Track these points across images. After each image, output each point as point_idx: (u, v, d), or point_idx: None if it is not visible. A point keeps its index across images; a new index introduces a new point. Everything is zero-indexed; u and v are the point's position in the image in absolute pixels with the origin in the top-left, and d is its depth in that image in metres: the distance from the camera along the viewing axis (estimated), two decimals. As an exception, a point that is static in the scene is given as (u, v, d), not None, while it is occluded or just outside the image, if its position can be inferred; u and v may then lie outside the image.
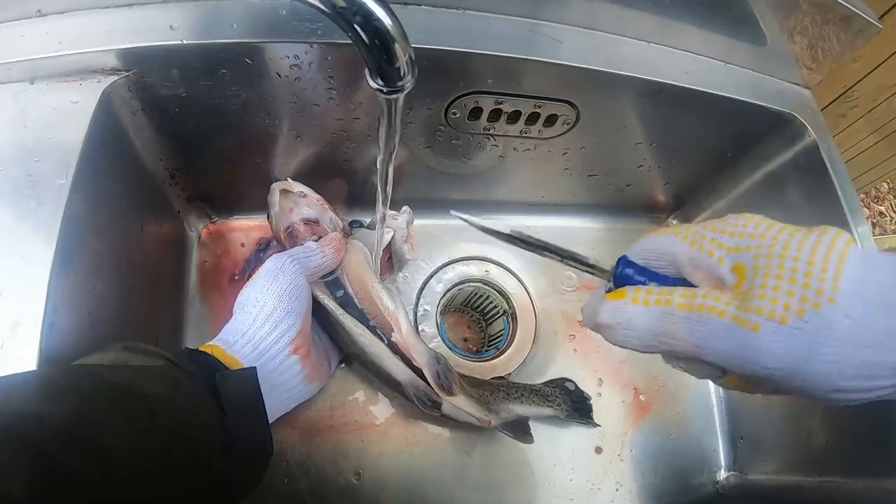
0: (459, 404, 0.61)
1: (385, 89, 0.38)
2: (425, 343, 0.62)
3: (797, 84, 0.71)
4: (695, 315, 0.33)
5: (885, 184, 2.19)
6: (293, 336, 0.53)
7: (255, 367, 0.48)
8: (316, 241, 0.61)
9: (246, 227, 0.75)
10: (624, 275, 0.39)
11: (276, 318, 0.52)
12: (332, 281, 0.63)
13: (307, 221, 0.65)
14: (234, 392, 0.45)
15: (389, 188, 0.51)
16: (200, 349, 0.49)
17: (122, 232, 0.56)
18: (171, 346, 0.67)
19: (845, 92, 1.16)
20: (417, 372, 0.60)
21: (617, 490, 0.75)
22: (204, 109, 0.58)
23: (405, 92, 0.39)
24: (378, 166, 0.48)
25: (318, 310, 0.61)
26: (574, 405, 0.74)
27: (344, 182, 0.73)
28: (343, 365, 0.70)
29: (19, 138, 0.47)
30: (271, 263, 0.55)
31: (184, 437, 0.38)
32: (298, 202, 0.65)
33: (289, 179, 0.65)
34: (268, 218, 0.67)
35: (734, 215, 0.37)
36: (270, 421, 0.51)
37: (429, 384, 0.60)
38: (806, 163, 0.69)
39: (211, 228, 0.74)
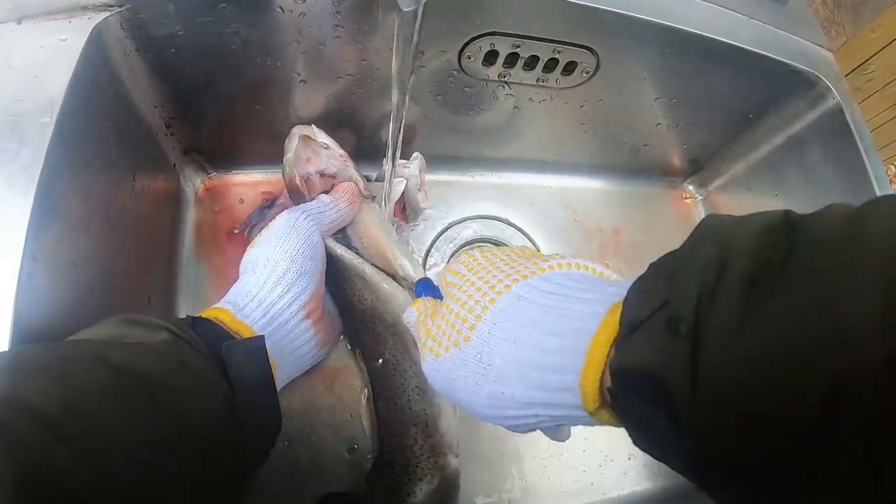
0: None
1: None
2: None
3: (820, 46, 0.69)
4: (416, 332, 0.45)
5: (892, 166, 2.17)
6: (306, 299, 0.51)
7: (262, 336, 0.45)
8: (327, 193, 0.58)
9: (246, 183, 0.72)
10: (416, 291, 0.51)
11: (288, 279, 0.50)
12: (342, 238, 0.60)
13: (324, 175, 0.61)
14: (242, 365, 0.42)
15: (402, 129, 0.48)
16: (205, 315, 0.46)
17: (113, 182, 0.53)
18: (164, 306, 0.63)
19: (862, 64, 1.14)
20: None
21: (629, 460, 0.73)
22: (202, 50, 0.55)
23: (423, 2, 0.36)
24: (392, 103, 0.44)
25: (329, 264, 0.57)
26: None
27: (351, 133, 0.69)
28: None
29: (4, 80, 0.44)
30: (283, 219, 0.53)
31: (189, 422, 0.35)
32: (319, 152, 0.60)
33: (313, 126, 0.60)
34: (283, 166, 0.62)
35: (470, 251, 0.45)
36: (279, 386, 0.49)
37: None
38: (830, 127, 0.67)
39: (208, 184, 0.70)
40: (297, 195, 0.57)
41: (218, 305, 0.48)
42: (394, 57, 0.41)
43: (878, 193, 0.62)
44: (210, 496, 0.36)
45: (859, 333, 0.20)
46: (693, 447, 0.25)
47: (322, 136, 0.59)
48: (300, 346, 0.51)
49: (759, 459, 0.22)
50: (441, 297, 0.47)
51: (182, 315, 0.62)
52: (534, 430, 0.37)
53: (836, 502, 0.21)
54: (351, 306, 0.59)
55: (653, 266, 0.30)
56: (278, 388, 0.48)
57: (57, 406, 0.28)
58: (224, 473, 0.38)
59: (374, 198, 0.62)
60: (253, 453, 0.43)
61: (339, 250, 0.57)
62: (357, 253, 0.59)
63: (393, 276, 0.58)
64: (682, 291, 0.26)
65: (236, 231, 0.68)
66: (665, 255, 0.30)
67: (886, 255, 0.20)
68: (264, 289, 0.49)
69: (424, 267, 0.74)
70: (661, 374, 0.25)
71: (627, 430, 0.30)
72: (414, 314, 0.46)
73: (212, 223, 0.69)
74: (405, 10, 0.36)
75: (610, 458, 0.72)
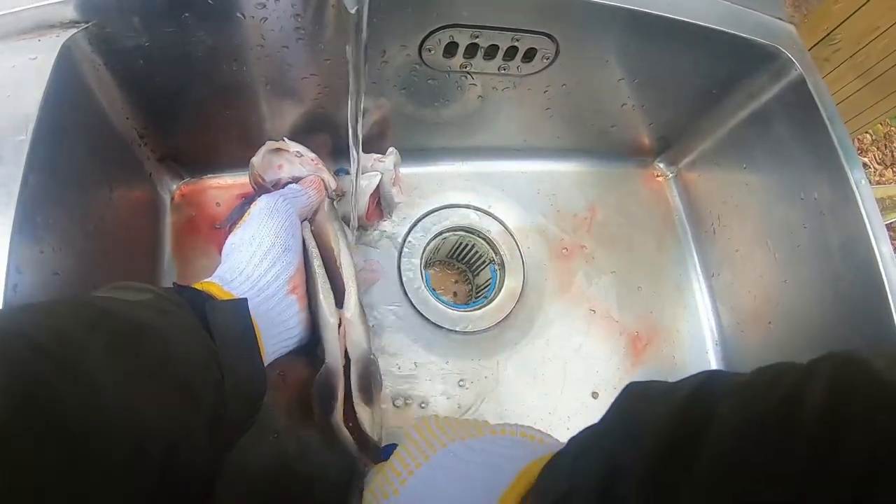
0: (365, 422, 0.58)
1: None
2: (367, 336, 0.59)
3: (781, 19, 0.70)
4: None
5: (868, 135, 2.18)
6: (291, 274, 0.53)
7: (245, 299, 0.46)
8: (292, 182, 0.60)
9: (221, 186, 0.73)
10: (384, 455, 0.51)
11: (273, 254, 0.51)
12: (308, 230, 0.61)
13: (293, 179, 0.63)
14: (225, 323, 0.43)
15: (361, 124, 0.49)
16: (195, 286, 0.47)
17: (90, 194, 0.54)
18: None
19: (827, 35, 1.15)
20: (345, 369, 0.58)
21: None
22: (169, 60, 0.56)
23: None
24: (350, 95, 0.46)
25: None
26: None
27: (322, 129, 0.70)
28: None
29: None
30: (264, 202, 0.54)
31: (172, 365, 0.36)
32: (291, 160, 0.63)
33: (284, 139, 0.62)
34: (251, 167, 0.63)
35: (437, 417, 0.46)
36: (269, 360, 0.50)
37: (348, 384, 0.57)
38: (793, 99, 0.68)
39: (184, 189, 0.71)
40: (263, 190, 0.60)
41: (207, 280, 0.49)
42: (348, 54, 0.42)
43: (844, 162, 0.63)
44: (189, 434, 0.36)
45: None
46: None
47: (294, 146, 0.62)
48: (287, 318, 0.52)
49: None
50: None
51: None
52: None
53: None
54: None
55: (570, 441, 0.33)
56: (268, 360, 0.49)
57: (45, 333, 0.30)
58: (204, 416, 0.38)
59: (339, 197, 0.63)
60: (236, 408, 0.43)
61: (308, 242, 0.58)
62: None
63: (333, 273, 0.59)
64: (584, 481, 0.27)
65: (217, 227, 0.69)
66: (584, 430, 0.32)
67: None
68: (251, 264, 0.50)
69: (399, 255, 0.75)
70: None
71: None
72: (370, 473, 0.48)
73: (190, 227, 0.70)
74: (350, 11, 0.37)
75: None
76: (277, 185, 0.62)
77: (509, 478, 0.34)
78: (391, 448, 0.51)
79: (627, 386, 0.31)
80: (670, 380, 0.31)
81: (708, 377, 0.27)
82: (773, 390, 0.23)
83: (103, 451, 0.28)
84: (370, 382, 0.57)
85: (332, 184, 0.62)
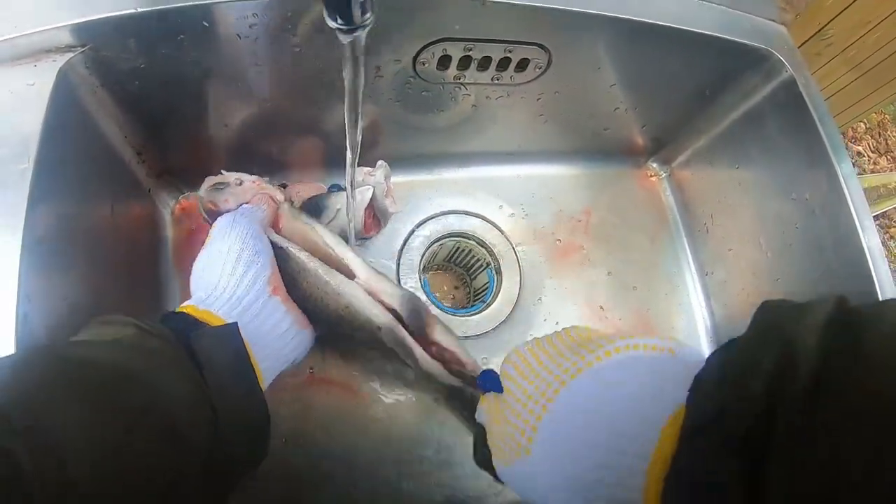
0: (444, 341, 0.56)
1: (345, 28, 0.37)
2: (390, 280, 0.57)
3: (772, 20, 0.71)
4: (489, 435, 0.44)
5: (861, 124, 2.19)
6: (269, 275, 0.50)
7: (235, 323, 0.43)
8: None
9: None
10: (480, 385, 0.51)
11: (245, 259, 0.49)
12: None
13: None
14: (213, 353, 0.40)
15: (359, 138, 0.49)
16: (175, 311, 0.45)
17: (92, 214, 0.54)
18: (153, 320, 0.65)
19: (820, 30, 1.15)
20: (394, 315, 0.56)
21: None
22: (165, 80, 0.56)
23: (366, 30, 0.37)
24: (346, 118, 0.46)
25: (279, 259, 0.56)
26: None
27: (317, 143, 0.71)
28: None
29: None
30: (222, 221, 0.53)
31: (156, 411, 0.34)
32: (234, 190, 0.62)
33: (223, 171, 0.62)
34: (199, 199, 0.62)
35: (526, 344, 0.45)
36: (272, 377, 0.48)
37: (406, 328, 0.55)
38: (784, 99, 0.68)
39: (183, 203, 0.72)
40: (215, 216, 0.59)
41: (183, 305, 0.47)
42: (345, 77, 0.42)
43: (835, 161, 0.63)
44: (183, 486, 0.35)
45: None
46: None
47: (232, 176, 0.61)
48: (278, 322, 0.50)
49: None
50: (502, 390, 0.46)
51: None
52: None
53: None
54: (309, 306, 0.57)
55: (710, 364, 0.30)
56: (269, 378, 0.47)
57: (11, 399, 0.29)
58: (202, 462, 0.36)
59: (290, 202, 0.62)
60: (236, 445, 0.40)
61: (281, 242, 0.56)
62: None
63: (326, 261, 0.57)
64: (739, 404, 0.25)
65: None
66: (725, 346, 0.30)
67: None
68: (224, 275, 0.48)
69: (398, 262, 0.75)
70: (715, 486, 0.25)
71: None
72: (484, 416, 0.46)
73: (190, 240, 0.71)
74: (343, 42, 0.38)
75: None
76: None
77: (655, 429, 0.30)
78: (489, 374, 0.50)
79: (764, 303, 0.30)
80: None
81: (842, 300, 0.26)
82: None
83: None
84: (422, 316, 0.56)
85: (279, 195, 0.62)
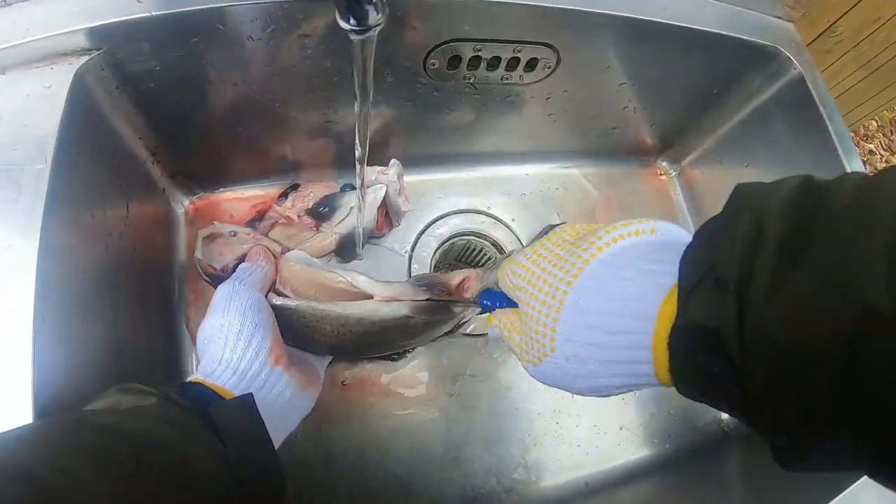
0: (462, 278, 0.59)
1: (357, 28, 0.37)
2: (398, 283, 0.59)
3: (779, 18, 0.71)
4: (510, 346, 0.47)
5: (873, 122, 2.18)
6: (269, 346, 0.51)
7: (251, 394, 0.45)
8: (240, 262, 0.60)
9: (232, 199, 0.74)
10: (483, 305, 0.52)
11: (246, 334, 0.50)
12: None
13: (240, 258, 0.63)
14: (232, 421, 0.42)
15: (367, 138, 0.50)
16: (190, 381, 0.47)
17: (108, 214, 0.55)
18: (167, 321, 0.67)
19: (829, 27, 1.15)
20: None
21: (621, 430, 0.76)
22: (179, 82, 0.57)
23: (377, 30, 0.38)
24: (356, 116, 0.47)
25: (285, 321, 0.57)
26: None
27: (329, 143, 0.72)
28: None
29: None
30: (221, 291, 0.54)
31: (179, 481, 0.35)
32: (229, 241, 0.63)
33: (214, 223, 0.63)
34: (197, 262, 0.64)
35: (524, 251, 0.47)
36: (278, 443, 0.49)
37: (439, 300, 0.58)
38: (792, 97, 0.69)
39: (197, 203, 0.73)
40: (216, 279, 0.60)
41: (193, 377, 0.48)
42: (354, 76, 0.43)
43: (843, 158, 0.64)
44: None
45: (871, 291, 0.24)
46: (741, 382, 0.29)
47: (226, 228, 0.63)
48: (280, 393, 0.51)
49: (792, 387, 0.27)
50: (508, 304, 0.49)
51: (183, 325, 0.67)
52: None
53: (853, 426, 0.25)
54: (332, 345, 0.60)
55: (697, 233, 0.34)
56: (277, 443, 0.48)
57: (45, 467, 0.30)
58: None
59: (287, 249, 0.63)
60: None
61: (286, 302, 0.57)
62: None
63: (341, 294, 0.59)
64: (725, 257, 0.29)
65: (230, 234, 0.68)
66: (706, 223, 0.34)
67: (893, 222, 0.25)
68: (226, 350, 0.49)
69: (410, 262, 0.76)
70: (714, 326, 0.29)
71: (680, 383, 0.34)
72: (496, 331, 0.48)
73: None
74: (353, 40, 0.38)
75: (603, 431, 0.75)
76: (227, 269, 0.63)
77: (654, 305, 0.35)
78: (490, 294, 0.52)
79: (737, 186, 0.34)
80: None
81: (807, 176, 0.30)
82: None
83: None
84: (434, 281, 0.59)
85: (276, 247, 0.63)
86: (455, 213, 0.80)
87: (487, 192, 0.82)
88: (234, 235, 0.63)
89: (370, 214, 0.65)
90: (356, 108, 0.46)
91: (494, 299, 0.51)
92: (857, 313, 0.24)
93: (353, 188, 0.70)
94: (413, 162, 0.74)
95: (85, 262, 0.49)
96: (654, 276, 0.36)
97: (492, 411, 0.72)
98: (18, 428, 0.34)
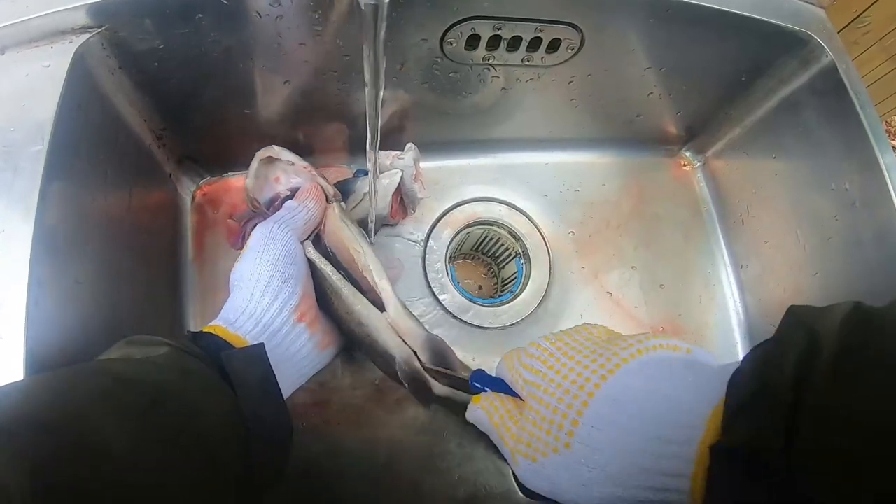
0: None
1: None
2: (419, 322, 0.57)
3: (811, 3, 0.68)
4: (496, 434, 0.45)
5: (895, 118, 2.14)
6: (296, 303, 0.51)
7: (262, 344, 0.45)
8: (289, 197, 0.59)
9: (240, 185, 0.72)
10: (473, 385, 0.50)
11: (274, 288, 0.50)
12: (319, 245, 0.59)
13: (293, 191, 0.61)
14: (243, 371, 0.42)
15: (379, 118, 0.48)
16: (203, 330, 0.47)
17: (109, 199, 0.53)
18: (171, 312, 0.65)
19: (857, 17, 1.12)
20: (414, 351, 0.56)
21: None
22: (184, 61, 0.55)
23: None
24: (366, 95, 0.45)
25: (314, 275, 0.57)
26: None
27: (342, 127, 0.70)
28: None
29: None
30: (258, 233, 0.53)
31: (192, 428, 0.36)
32: (286, 170, 0.61)
33: (274, 146, 0.61)
34: (246, 190, 0.62)
35: (538, 342, 0.44)
36: (286, 396, 0.49)
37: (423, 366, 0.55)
38: (824, 85, 0.66)
39: (204, 189, 0.71)
40: (259, 213, 0.60)
41: (212, 323, 0.48)
42: (365, 52, 0.41)
43: (877, 151, 0.61)
44: (222, 498, 0.36)
45: None
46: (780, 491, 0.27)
47: (286, 154, 0.60)
48: (298, 349, 0.51)
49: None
50: (501, 390, 0.47)
51: (189, 317, 0.66)
52: None
53: None
54: (338, 319, 0.58)
55: (746, 359, 0.33)
56: (285, 395, 0.48)
57: (60, 414, 0.30)
58: (234, 477, 0.38)
59: (341, 201, 0.61)
60: (264, 460, 0.42)
61: (320, 263, 0.57)
62: (331, 257, 0.58)
63: (361, 281, 0.57)
64: (779, 375, 0.29)
65: (232, 219, 0.68)
66: (756, 347, 0.33)
67: None
68: (252, 301, 0.49)
69: (424, 250, 0.74)
70: (759, 446, 0.28)
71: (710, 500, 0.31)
72: (481, 414, 0.46)
73: (211, 227, 0.70)
74: (364, 4, 0.36)
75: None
76: (275, 202, 0.61)
77: (699, 419, 0.33)
78: (481, 376, 0.50)
79: (791, 307, 0.34)
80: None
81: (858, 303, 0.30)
82: None
83: None
84: (447, 357, 0.55)
85: (330, 189, 0.61)
86: (472, 201, 0.78)
87: (505, 180, 0.80)
88: (292, 165, 0.61)
89: (384, 201, 0.63)
90: (366, 85, 0.44)
91: (485, 382, 0.49)
92: None
93: (366, 173, 0.68)
94: (428, 148, 0.72)
95: (83, 248, 0.47)
96: (701, 390, 0.34)
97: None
98: (31, 377, 0.36)
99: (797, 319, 0.31)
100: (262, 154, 0.60)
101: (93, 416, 0.31)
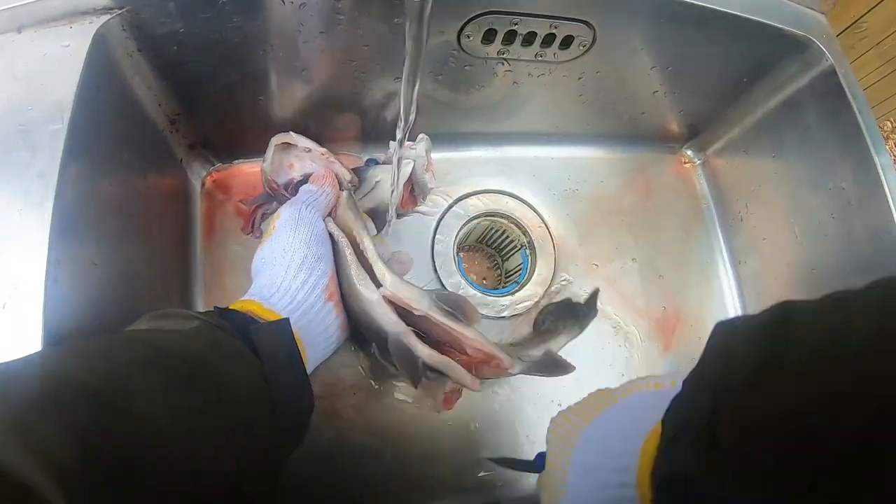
0: (480, 343, 0.56)
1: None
2: (417, 287, 0.56)
3: (812, 9, 0.69)
4: None
5: (888, 122, 2.16)
6: (326, 283, 0.52)
7: (287, 319, 0.46)
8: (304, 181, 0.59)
9: (250, 172, 0.72)
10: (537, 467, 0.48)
11: (308, 266, 0.51)
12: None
13: (306, 176, 0.61)
14: (271, 346, 0.43)
15: (413, 112, 0.48)
16: (232, 307, 0.47)
17: (125, 181, 0.54)
18: (182, 296, 0.65)
19: (855, 22, 1.13)
20: (411, 325, 0.55)
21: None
22: (204, 46, 0.55)
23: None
24: (402, 85, 0.45)
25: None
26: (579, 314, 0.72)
27: (355, 117, 0.70)
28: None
29: (9, 90, 0.45)
30: (287, 213, 0.53)
31: (227, 399, 0.37)
32: (301, 156, 0.62)
33: (291, 133, 0.61)
34: (263, 172, 0.62)
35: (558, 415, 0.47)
36: (311, 369, 0.50)
37: (423, 340, 0.55)
38: (823, 88, 0.67)
39: (214, 175, 0.71)
40: (280, 197, 0.60)
41: (246, 298, 0.49)
42: (406, 42, 0.41)
43: (874, 152, 0.62)
44: (248, 467, 0.37)
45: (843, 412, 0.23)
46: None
47: (302, 141, 0.61)
48: (327, 327, 0.52)
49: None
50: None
51: (198, 302, 0.66)
52: None
53: None
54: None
55: (684, 383, 0.34)
56: (310, 370, 0.49)
57: (103, 379, 0.31)
58: (261, 447, 0.39)
59: (355, 188, 0.62)
60: (287, 430, 0.43)
61: (341, 240, 0.56)
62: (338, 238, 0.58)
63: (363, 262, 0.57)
64: (697, 406, 0.30)
65: (242, 203, 0.69)
66: (693, 369, 0.34)
67: (864, 367, 0.24)
68: (287, 277, 0.50)
69: (433, 241, 0.75)
70: (689, 477, 0.30)
71: None
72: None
73: (221, 213, 0.70)
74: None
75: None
76: (290, 186, 0.61)
77: (640, 441, 0.36)
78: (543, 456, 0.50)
79: (716, 325, 0.34)
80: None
81: (783, 305, 0.30)
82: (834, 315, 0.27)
83: (169, 492, 0.30)
84: (463, 306, 0.56)
85: (346, 175, 0.61)
86: (479, 192, 0.79)
87: (513, 173, 0.81)
88: (308, 152, 0.61)
89: (396, 191, 0.63)
90: (404, 73, 0.44)
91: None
92: (829, 442, 0.24)
93: (378, 163, 0.68)
94: (438, 140, 0.72)
95: (99, 229, 0.48)
96: (645, 420, 0.36)
97: (512, 397, 0.71)
98: (63, 346, 0.36)
99: (716, 341, 0.33)
100: (277, 140, 0.60)
101: (135, 385, 0.32)
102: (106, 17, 0.49)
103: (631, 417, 0.40)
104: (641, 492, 0.34)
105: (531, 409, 0.71)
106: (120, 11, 0.49)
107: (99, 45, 0.48)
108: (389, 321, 0.55)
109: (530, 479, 0.68)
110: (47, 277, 0.39)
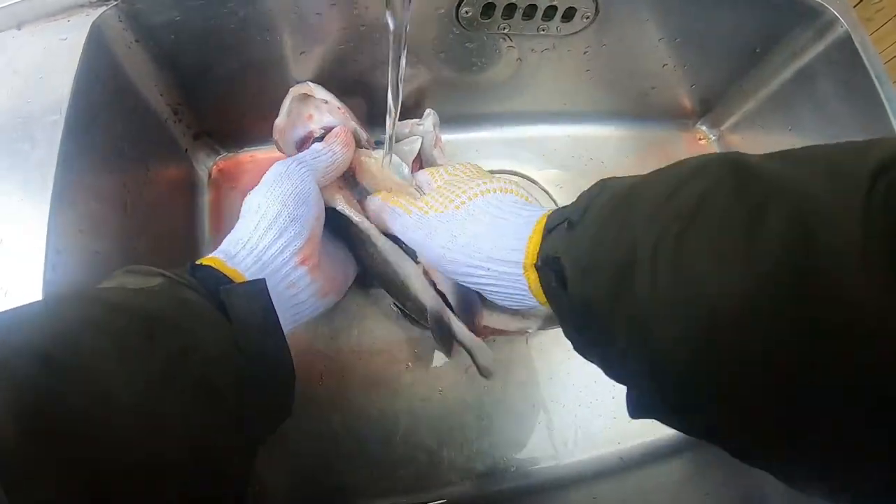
0: (494, 323, 0.57)
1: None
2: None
3: (825, -25, 0.67)
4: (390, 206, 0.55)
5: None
6: (300, 245, 0.48)
7: (263, 279, 0.43)
8: (319, 139, 0.57)
9: (258, 160, 0.72)
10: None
11: (279, 225, 0.47)
12: (355, 188, 0.60)
13: (326, 130, 0.59)
14: (244, 307, 0.40)
15: (401, 87, 0.47)
16: (201, 262, 0.44)
17: (126, 172, 0.54)
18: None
19: (871, -7, 1.11)
20: (445, 300, 0.56)
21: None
22: (201, 34, 0.55)
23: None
24: (389, 71, 0.45)
25: (338, 219, 0.56)
26: None
27: (358, 98, 0.69)
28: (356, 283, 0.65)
29: (10, 85, 0.45)
30: (276, 168, 0.51)
31: (190, 360, 0.34)
32: (320, 107, 0.60)
33: (309, 83, 0.59)
34: (275, 128, 0.60)
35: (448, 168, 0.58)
36: None
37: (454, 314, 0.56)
38: (839, 57, 0.66)
39: (221, 165, 0.71)
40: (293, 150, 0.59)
41: (211, 255, 0.46)
42: (389, 21, 0.41)
43: (893, 120, 0.61)
44: (216, 437, 0.35)
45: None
46: (570, 296, 0.38)
47: (320, 92, 0.59)
48: (297, 293, 0.49)
49: (592, 296, 0.35)
50: None
51: None
52: (477, 287, 0.48)
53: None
54: (364, 262, 0.60)
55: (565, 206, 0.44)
56: None
57: (50, 340, 0.29)
58: (232, 416, 0.36)
59: (372, 147, 0.61)
60: (262, 405, 0.40)
61: (349, 211, 0.56)
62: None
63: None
64: (573, 211, 0.40)
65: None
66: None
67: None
68: (255, 234, 0.47)
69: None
70: (559, 255, 0.39)
71: (546, 296, 0.43)
72: (377, 199, 0.56)
73: (228, 203, 0.70)
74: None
75: (641, 404, 0.72)
76: (306, 142, 0.60)
77: (530, 226, 0.45)
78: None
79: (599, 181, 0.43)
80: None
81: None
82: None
83: (125, 464, 0.28)
84: (474, 305, 0.57)
85: (363, 134, 0.60)
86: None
87: (521, 153, 0.80)
88: (326, 103, 0.59)
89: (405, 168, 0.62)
90: (390, 49, 0.44)
91: None
92: (624, 252, 0.32)
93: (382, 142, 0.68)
94: (445, 121, 0.70)
95: (100, 222, 0.48)
96: (524, 216, 0.47)
97: (524, 379, 0.70)
98: (28, 305, 0.34)
99: (595, 188, 0.42)
100: (296, 90, 0.59)
101: (89, 347, 0.30)
102: (102, 9, 0.49)
103: (506, 213, 0.48)
104: (527, 260, 0.43)
105: (546, 394, 0.70)
106: (116, 2, 0.49)
107: (96, 37, 0.49)
108: (429, 296, 0.57)
109: (543, 465, 0.68)
110: (46, 265, 0.40)
